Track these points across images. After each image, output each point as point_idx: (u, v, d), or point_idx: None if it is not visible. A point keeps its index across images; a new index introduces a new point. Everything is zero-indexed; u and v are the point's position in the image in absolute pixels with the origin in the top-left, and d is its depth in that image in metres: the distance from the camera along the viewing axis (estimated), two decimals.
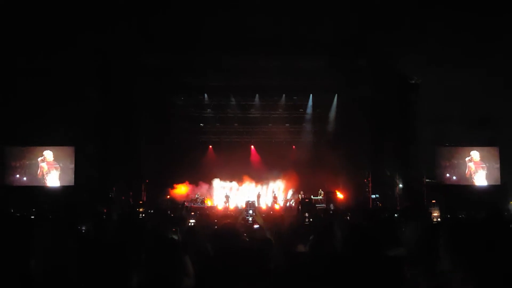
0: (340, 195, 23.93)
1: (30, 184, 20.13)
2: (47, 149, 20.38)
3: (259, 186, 25.55)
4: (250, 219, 4.67)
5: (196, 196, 24.34)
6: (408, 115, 20.19)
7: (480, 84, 16.99)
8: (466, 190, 20.56)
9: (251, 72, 21.25)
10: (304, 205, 20.19)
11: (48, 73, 17.46)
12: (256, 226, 5.45)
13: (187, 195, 24.19)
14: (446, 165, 21.22)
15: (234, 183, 25.52)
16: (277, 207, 24.06)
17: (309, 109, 24.77)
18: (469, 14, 14.92)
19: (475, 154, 21.05)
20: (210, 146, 26.26)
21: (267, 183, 25.63)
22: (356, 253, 3.89)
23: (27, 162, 20.32)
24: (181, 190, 24.15)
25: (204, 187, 24.94)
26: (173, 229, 4.94)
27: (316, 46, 18.13)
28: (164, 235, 4.68)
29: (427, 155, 20.72)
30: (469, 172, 21.07)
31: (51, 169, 20.35)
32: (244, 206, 20.98)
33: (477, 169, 21.00)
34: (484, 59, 16.27)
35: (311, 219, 8.71)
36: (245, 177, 25.48)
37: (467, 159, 21.10)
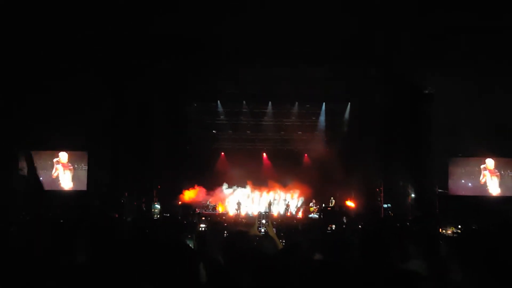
0: (351, 204, 23.89)
1: (45, 184, 20.28)
2: (61, 151, 20.54)
3: (270, 193, 25.52)
4: (263, 230, 4.66)
5: (208, 203, 24.41)
6: (421, 125, 20.10)
7: (495, 94, 16.85)
8: (480, 200, 20.35)
9: (264, 80, 21.36)
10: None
11: (61, 79, 17.64)
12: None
13: (199, 201, 24.24)
14: (460, 173, 21.03)
15: (246, 190, 25.53)
16: (289, 214, 24.11)
17: (322, 118, 24.79)
18: (484, 25, 14.86)
19: (489, 162, 20.84)
20: (223, 153, 26.32)
21: (279, 191, 25.60)
22: (368, 263, 3.89)
23: (42, 163, 20.48)
24: (192, 195, 24.20)
25: (215, 193, 25.00)
26: (188, 236, 4.97)
27: (329, 55, 18.16)
28: (180, 242, 4.71)
29: (440, 165, 20.57)
30: (484, 180, 20.87)
31: (65, 171, 20.52)
32: (255, 214, 21.01)
33: (492, 176, 20.80)
34: (499, 69, 16.15)
35: (333, 228, 8.71)
36: (257, 184, 25.48)
37: (482, 166, 20.90)
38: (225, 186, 25.22)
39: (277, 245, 4.65)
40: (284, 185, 25.38)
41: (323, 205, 23.92)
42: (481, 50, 15.90)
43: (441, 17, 14.78)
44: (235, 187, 25.33)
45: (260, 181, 25.48)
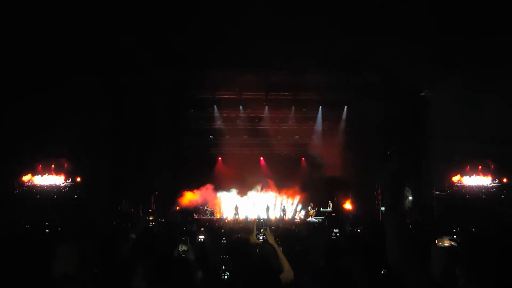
0: (349, 207, 23.92)
1: (43, 192, 20.35)
2: (59, 159, 20.57)
3: (268, 197, 25.50)
4: (261, 237, 4.64)
5: (206, 208, 24.38)
6: (418, 129, 20.14)
7: (492, 99, 16.84)
8: (478, 202, 20.39)
9: (260, 85, 21.39)
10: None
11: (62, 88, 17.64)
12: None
13: (196, 206, 24.21)
14: (457, 175, 21.08)
15: (244, 195, 25.49)
16: (286, 219, 24.09)
17: (319, 122, 24.79)
18: (483, 30, 14.88)
19: (487, 164, 20.91)
20: (220, 158, 26.29)
21: (276, 195, 25.59)
22: (369, 269, 3.91)
23: (41, 170, 20.53)
24: (190, 199, 24.14)
25: (213, 198, 24.95)
26: (183, 238, 4.90)
27: (326, 60, 18.19)
28: (173, 253, 4.70)
29: (437, 168, 20.58)
30: (481, 182, 20.92)
31: (63, 178, 20.57)
32: (253, 218, 20.97)
33: (489, 178, 20.86)
34: (497, 76, 16.13)
35: (337, 234, 8.66)
36: (254, 189, 25.45)
37: (480, 168, 20.97)
38: (222, 192, 25.12)
39: (277, 252, 4.65)
40: (282, 190, 25.36)
41: (321, 209, 23.92)
42: (480, 56, 15.87)
43: (438, 23, 14.78)
44: (232, 190, 25.21)
45: (257, 186, 25.44)
